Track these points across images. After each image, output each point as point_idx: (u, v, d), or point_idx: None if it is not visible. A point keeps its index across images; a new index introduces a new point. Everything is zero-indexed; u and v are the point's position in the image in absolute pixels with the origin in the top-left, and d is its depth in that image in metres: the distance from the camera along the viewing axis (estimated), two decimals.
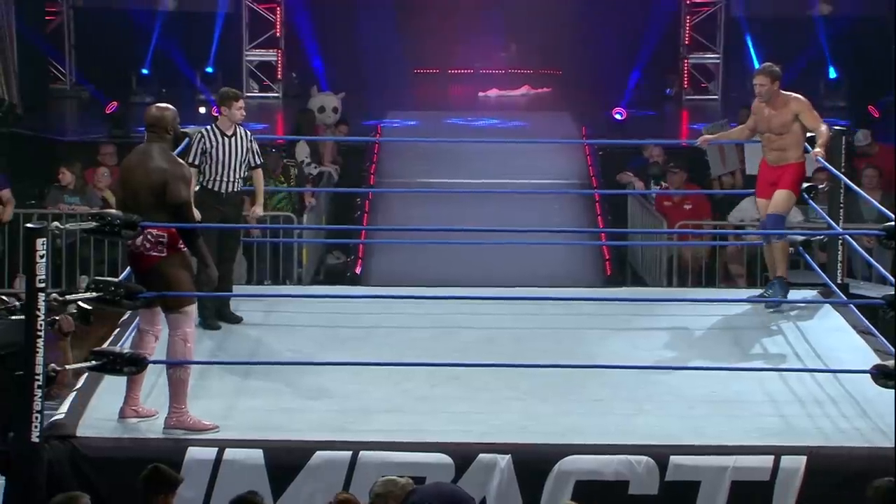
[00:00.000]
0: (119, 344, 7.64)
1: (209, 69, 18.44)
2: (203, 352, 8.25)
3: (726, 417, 7.27)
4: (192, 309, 7.11)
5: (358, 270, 12.70)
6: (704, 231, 12.28)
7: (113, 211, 7.04)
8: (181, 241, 6.99)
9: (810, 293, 9.53)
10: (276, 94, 18.60)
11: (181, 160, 7.16)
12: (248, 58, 18.70)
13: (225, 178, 8.81)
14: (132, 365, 6.84)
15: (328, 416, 7.24)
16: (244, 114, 8.90)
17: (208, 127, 8.95)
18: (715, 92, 19.00)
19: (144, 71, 18.37)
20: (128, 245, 7.03)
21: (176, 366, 7.02)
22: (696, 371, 7.81)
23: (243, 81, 18.31)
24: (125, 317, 8.58)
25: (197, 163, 8.83)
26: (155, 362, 7.11)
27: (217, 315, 8.79)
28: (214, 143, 8.82)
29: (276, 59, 18.77)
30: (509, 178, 13.97)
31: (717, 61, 18.78)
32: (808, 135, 9.18)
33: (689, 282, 12.00)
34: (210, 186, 8.86)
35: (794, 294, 9.22)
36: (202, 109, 17.23)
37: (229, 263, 8.96)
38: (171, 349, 7.07)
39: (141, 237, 6.94)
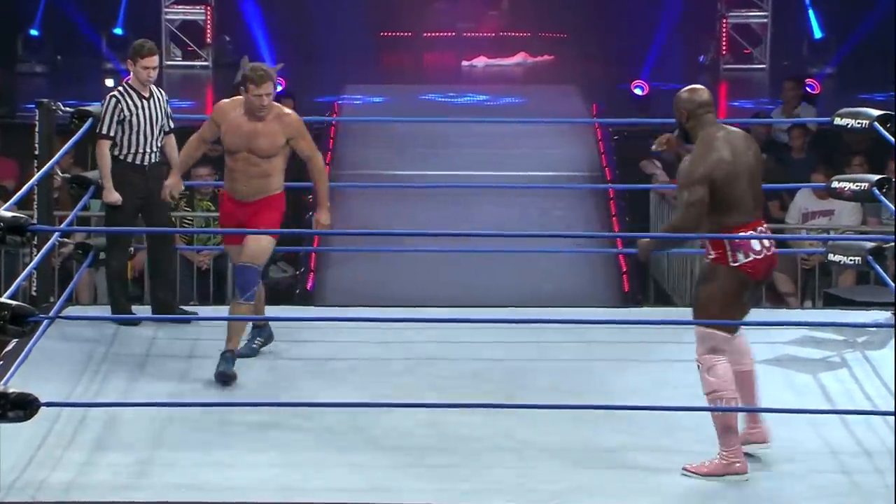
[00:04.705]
0: (2, 381, 7.59)
1: (118, 30, 18.43)
2: (112, 388, 8.25)
3: (776, 473, 7.29)
4: (716, 333, 7.28)
5: (309, 286, 12.70)
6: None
7: None
8: (729, 249, 7.31)
9: (882, 315, 9.57)
10: (204, 63, 18.61)
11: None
12: (169, 16, 18.72)
13: (147, 149, 9.26)
14: (19, 409, 6.80)
15: (272, 471, 7.23)
16: (152, 75, 9.23)
17: (120, 88, 9.27)
18: (761, 60, 19.05)
19: (33, 32, 18.35)
20: None
21: (717, 403, 7.19)
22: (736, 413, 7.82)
23: (163, 46, 18.31)
24: (9, 346, 8.56)
25: (112, 134, 9.20)
26: (49, 405, 7.08)
27: (161, 307, 9.26)
28: (134, 109, 9.20)
29: (204, 18, 18.79)
30: (501, 170, 13.99)
31: (765, 21, 18.84)
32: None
33: None
34: (131, 160, 9.23)
35: (862, 316, 9.24)
36: (109, 81, 17.21)
37: (168, 247, 9.50)
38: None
39: None
